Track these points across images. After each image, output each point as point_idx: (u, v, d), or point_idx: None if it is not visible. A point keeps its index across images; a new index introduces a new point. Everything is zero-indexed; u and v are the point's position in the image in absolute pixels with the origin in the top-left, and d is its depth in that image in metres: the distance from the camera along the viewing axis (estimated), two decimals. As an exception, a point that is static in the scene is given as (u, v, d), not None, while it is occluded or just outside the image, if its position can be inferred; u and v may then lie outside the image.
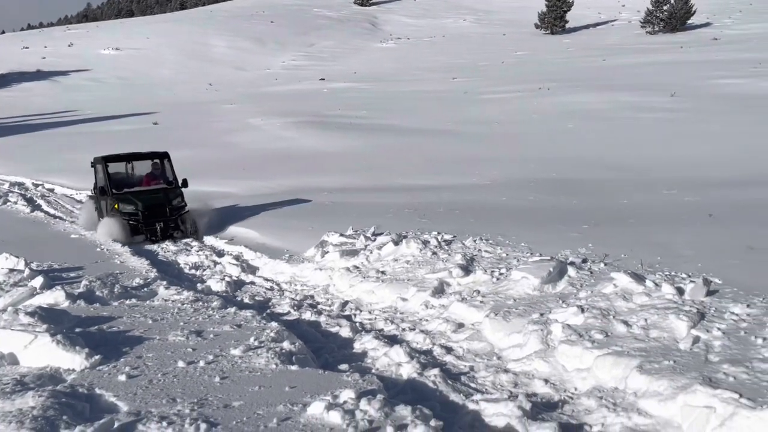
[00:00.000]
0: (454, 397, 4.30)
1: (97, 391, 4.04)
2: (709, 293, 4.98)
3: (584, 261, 6.43)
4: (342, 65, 52.22)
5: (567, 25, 58.77)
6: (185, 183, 11.60)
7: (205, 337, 5.20)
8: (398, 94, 33.79)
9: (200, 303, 6.47)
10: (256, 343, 4.91)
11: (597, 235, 7.75)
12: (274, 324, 5.50)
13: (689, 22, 52.29)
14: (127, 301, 6.60)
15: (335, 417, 3.49)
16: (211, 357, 4.62)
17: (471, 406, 4.12)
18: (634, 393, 3.93)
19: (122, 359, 4.62)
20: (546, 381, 4.44)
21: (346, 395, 3.75)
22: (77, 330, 5.16)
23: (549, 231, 8.21)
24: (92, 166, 11.97)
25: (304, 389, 4.00)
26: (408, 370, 4.72)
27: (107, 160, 11.59)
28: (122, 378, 4.22)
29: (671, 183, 13.41)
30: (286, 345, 4.88)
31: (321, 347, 5.50)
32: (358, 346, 5.48)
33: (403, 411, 3.59)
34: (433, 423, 3.41)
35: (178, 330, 5.34)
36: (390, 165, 18.10)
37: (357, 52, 58.80)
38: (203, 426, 3.44)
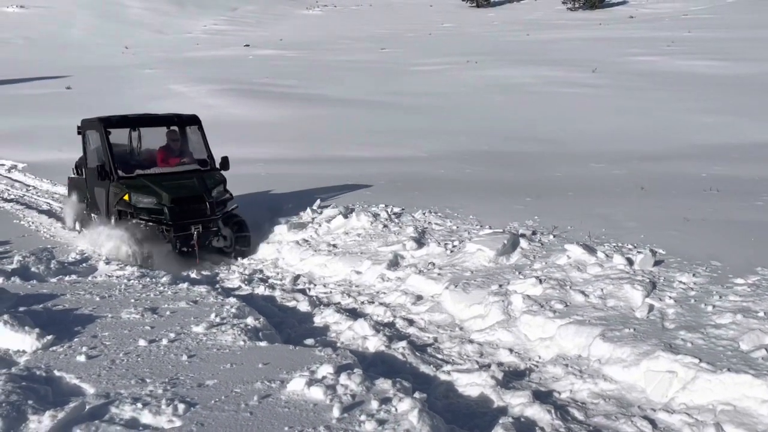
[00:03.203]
0: (425, 368, 4.37)
1: (57, 373, 3.80)
2: (656, 263, 5.26)
3: (534, 233, 6.62)
4: (267, 32, 50.79)
5: (492, -1, 59.58)
6: (225, 164, 7.92)
7: (161, 314, 5.00)
8: (327, 64, 33.29)
9: (147, 279, 6.21)
10: (218, 320, 4.77)
11: (540, 207, 7.99)
12: (232, 299, 5.35)
13: None
14: (67, 278, 6.25)
15: (317, 393, 3.46)
16: (173, 335, 4.46)
17: (443, 377, 4.19)
18: (597, 360, 4.12)
19: (76, 339, 4.37)
20: (511, 350, 4.58)
21: (325, 370, 3.72)
22: (21, 309, 4.84)
23: (494, 203, 8.40)
24: (80, 134, 8.39)
25: (278, 365, 3.93)
26: (375, 343, 4.74)
27: (108, 124, 7.71)
28: (81, 359, 4.00)
29: (598, 156, 14.00)
30: (250, 321, 4.77)
31: (280, 322, 5.42)
32: (318, 320, 5.45)
33: (384, 384, 3.60)
34: (417, 395, 3.44)
35: (131, 307, 5.10)
36: (323, 135, 17.91)
37: (282, 18, 57.33)
38: (181, 406, 3.32)
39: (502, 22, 50.05)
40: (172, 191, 7.31)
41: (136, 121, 8.21)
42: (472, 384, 3.99)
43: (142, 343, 4.29)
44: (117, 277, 6.27)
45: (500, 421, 3.44)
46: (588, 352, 4.22)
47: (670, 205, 7.53)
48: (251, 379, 3.72)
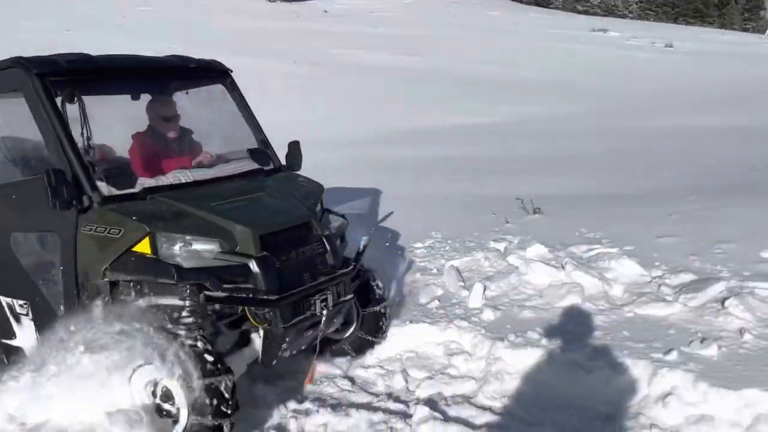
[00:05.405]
0: None
1: None
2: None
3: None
4: None
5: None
6: (296, 156, 4.15)
7: None
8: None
9: None
10: None
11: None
12: None
13: (304, -7, 56.71)
14: None
15: None
16: None
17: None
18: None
19: None
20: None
21: None
22: None
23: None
24: None
25: None
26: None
27: (53, 73, 3.33)
28: None
29: (311, 143, 14.84)
30: None
31: None
32: None
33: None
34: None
35: None
36: None
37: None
38: None
39: (204, 8, 48.94)
40: (254, 221, 3.22)
41: (116, 71, 3.76)
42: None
43: None
44: None
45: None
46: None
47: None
48: None
